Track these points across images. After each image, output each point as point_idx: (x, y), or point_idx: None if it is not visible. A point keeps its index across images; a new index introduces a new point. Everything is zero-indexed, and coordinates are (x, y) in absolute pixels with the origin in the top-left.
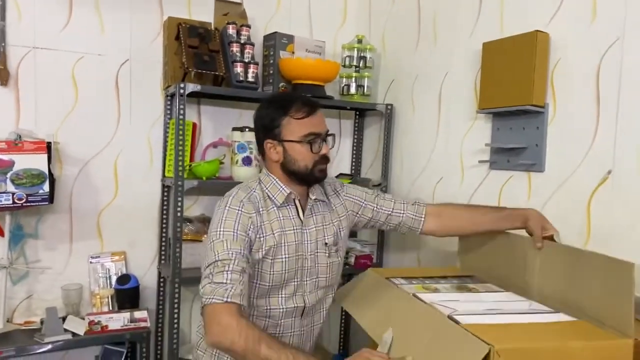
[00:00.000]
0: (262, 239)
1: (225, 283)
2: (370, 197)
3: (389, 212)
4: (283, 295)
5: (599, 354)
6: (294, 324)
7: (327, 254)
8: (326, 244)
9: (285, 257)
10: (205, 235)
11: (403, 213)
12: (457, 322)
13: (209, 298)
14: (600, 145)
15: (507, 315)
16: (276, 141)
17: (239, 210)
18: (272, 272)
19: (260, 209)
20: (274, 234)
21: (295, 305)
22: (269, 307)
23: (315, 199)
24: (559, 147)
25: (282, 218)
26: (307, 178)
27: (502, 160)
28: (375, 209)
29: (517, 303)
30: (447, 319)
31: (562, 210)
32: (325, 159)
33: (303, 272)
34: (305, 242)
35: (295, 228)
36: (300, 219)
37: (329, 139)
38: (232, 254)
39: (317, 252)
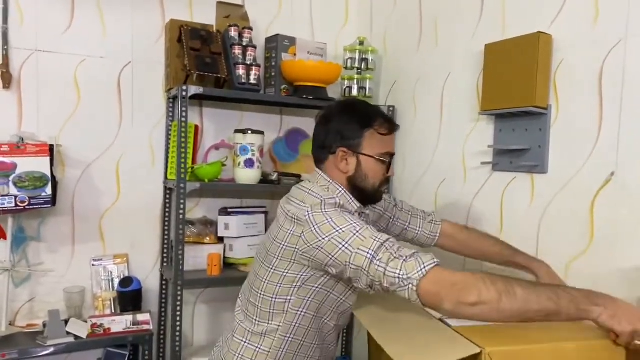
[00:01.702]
0: None
1: (417, 252)
2: (389, 206)
3: (405, 227)
4: (338, 312)
5: (592, 354)
6: (338, 337)
7: None
8: None
9: None
10: (208, 238)
11: (419, 230)
12: (448, 325)
13: (420, 270)
14: (604, 146)
15: None
16: (351, 152)
17: (345, 209)
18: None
19: None
20: None
21: (345, 320)
22: (327, 321)
23: (367, 214)
24: (562, 149)
25: None
26: (370, 197)
27: (505, 162)
28: (391, 220)
29: None
30: (439, 323)
31: (565, 212)
32: (388, 181)
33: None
34: None
35: None
36: None
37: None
38: (385, 234)
39: None
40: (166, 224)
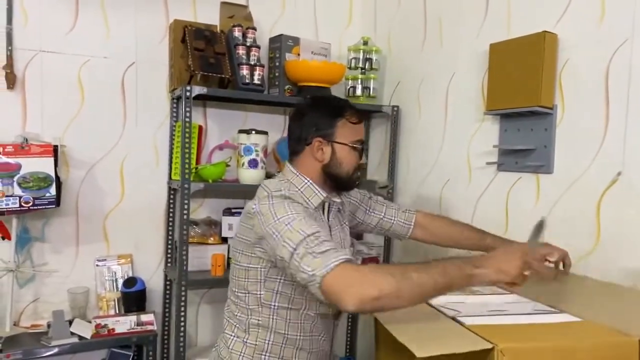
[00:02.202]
0: None
1: (330, 249)
2: (364, 198)
3: (381, 217)
4: (313, 300)
5: (604, 352)
6: (329, 326)
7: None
8: (351, 245)
9: None
10: (212, 239)
11: (394, 220)
12: (461, 323)
13: (324, 267)
14: (610, 146)
15: (511, 316)
16: (326, 141)
17: (298, 203)
18: None
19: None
20: None
21: (328, 306)
22: (305, 311)
23: (340, 202)
24: (568, 149)
25: (317, 220)
26: (344, 184)
27: (510, 162)
28: (367, 211)
29: (522, 305)
30: (451, 321)
31: (571, 213)
32: (361, 168)
33: None
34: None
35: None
36: (328, 222)
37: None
38: (316, 227)
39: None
40: (170, 224)
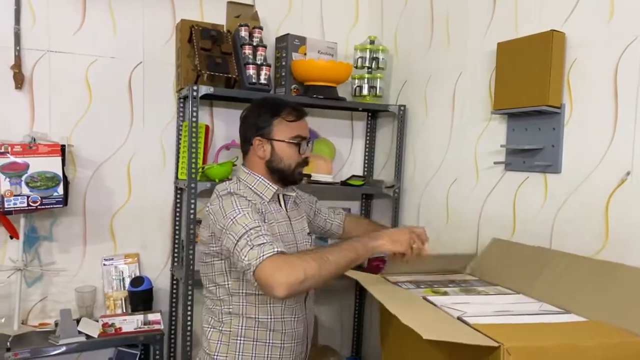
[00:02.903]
0: (265, 224)
1: (266, 242)
2: (313, 200)
3: (325, 218)
4: None
5: (611, 352)
6: (301, 308)
7: (309, 243)
8: (308, 233)
9: (284, 247)
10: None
11: (332, 221)
12: (467, 323)
13: (258, 258)
14: (619, 146)
15: (517, 316)
16: (265, 139)
17: (243, 197)
18: None
19: (257, 201)
20: (271, 224)
21: None
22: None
23: (295, 195)
24: (576, 148)
25: (273, 211)
26: (288, 178)
27: (518, 162)
28: (317, 213)
29: (528, 305)
30: (456, 321)
31: (580, 213)
32: (305, 163)
33: None
34: (294, 232)
35: (284, 220)
36: (287, 213)
37: (310, 144)
38: (258, 222)
39: (304, 242)
40: (177, 223)
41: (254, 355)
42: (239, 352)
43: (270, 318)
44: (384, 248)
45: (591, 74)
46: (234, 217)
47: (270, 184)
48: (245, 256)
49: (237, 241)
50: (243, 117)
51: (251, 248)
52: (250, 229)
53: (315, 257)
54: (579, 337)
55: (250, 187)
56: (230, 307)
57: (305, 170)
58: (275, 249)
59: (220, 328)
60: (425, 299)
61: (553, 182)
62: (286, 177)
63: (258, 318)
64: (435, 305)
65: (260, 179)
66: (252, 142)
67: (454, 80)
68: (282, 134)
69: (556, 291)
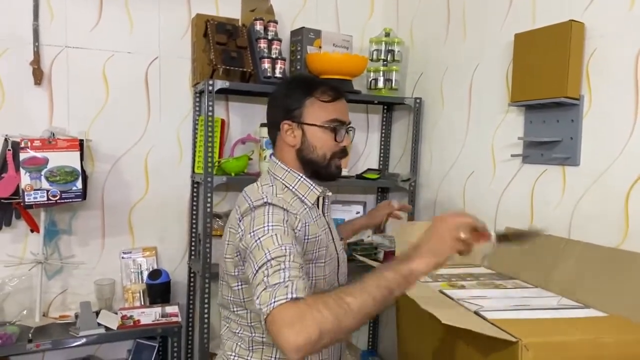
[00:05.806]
0: (307, 242)
1: (284, 281)
2: None
3: None
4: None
5: (631, 348)
6: None
7: (343, 250)
8: (341, 239)
9: (328, 260)
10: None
11: None
12: (484, 318)
13: (269, 304)
14: (639, 137)
15: (535, 310)
16: (295, 123)
17: (280, 207)
18: (315, 278)
19: (298, 210)
20: (316, 236)
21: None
22: None
23: (330, 196)
24: (595, 140)
25: (315, 218)
26: (322, 171)
27: (536, 154)
28: None
29: (546, 299)
30: (473, 315)
31: (598, 206)
32: (344, 152)
33: (338, 273)
34: (335, 242)
35: (324, 228)
36: (325, 218)
37: (351, 132)
38: (285, 249)
39: (342, 251)
40: (194, 217)
41: None
42: None
43: None
44: (426, 266)
45: (611, 64)
46: (260, 238)
47: (313, 185)
48: (257, 298)
49: (256, 273)
50: (271, 97)
51: (264, 288)
52: (272, 259)
53: (329, 304)
54: (599, 332)
55: (291, 188)
56: (264, 335)
57: None
58: (289, 295)
59: (249, 357)
60: (442, 292)
61: (571, 175)
62: (320, 169)
63: None
64: (452, 299)
65: (302, 179)
66: (281, 127)
67: (471, 72)
68: (315, 117)
69: (574, 284)
